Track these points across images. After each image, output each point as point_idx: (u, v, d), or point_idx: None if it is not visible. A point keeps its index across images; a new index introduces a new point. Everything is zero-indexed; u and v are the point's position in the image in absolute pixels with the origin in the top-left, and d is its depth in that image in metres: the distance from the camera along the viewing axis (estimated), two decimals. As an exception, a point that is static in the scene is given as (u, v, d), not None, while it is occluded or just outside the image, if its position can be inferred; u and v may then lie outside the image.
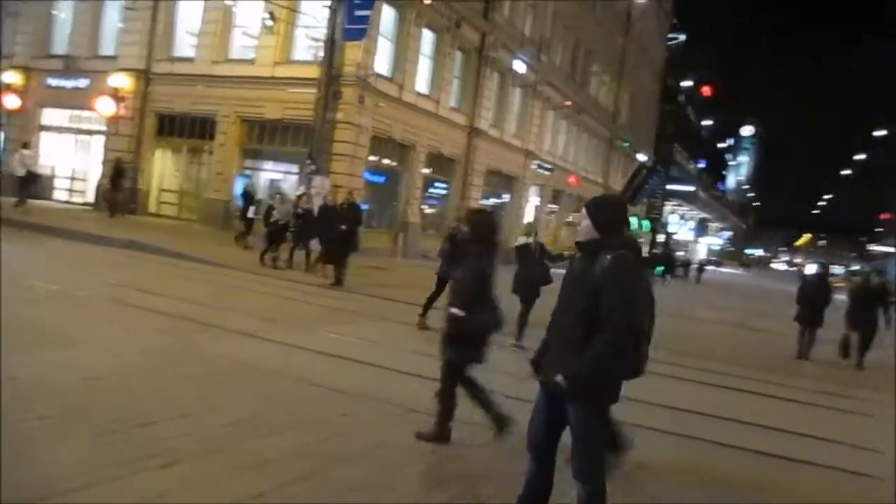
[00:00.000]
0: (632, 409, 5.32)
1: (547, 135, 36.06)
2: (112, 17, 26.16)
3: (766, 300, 30.91)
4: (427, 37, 25.03)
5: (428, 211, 27.19)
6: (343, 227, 14.01)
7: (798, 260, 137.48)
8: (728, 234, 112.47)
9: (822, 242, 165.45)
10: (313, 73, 20.53)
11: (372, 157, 22.88)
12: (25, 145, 23.09)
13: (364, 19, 19.29)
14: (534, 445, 3.76)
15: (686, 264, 46.64)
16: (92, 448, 4.35)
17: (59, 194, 27.00)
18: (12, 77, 27.05)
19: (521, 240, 10.36)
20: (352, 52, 20.58)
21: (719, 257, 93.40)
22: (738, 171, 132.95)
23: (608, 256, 3.44)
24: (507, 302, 6.78)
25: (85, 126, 26.79)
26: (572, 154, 40.28)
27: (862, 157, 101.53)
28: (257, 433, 4.97)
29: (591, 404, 3.52)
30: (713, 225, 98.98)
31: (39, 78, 27.07)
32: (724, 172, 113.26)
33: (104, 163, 24.89)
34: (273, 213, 15.92)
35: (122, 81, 24.05)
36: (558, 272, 5.28)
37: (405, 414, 5.81)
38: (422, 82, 25.04)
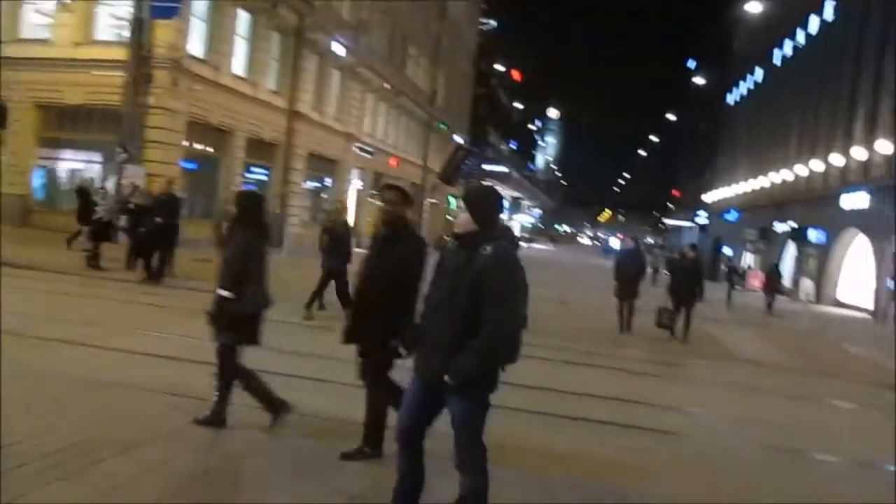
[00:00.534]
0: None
1: (367, 118, 36.04)
2: None
3: (580, 274, 32.85)
4: (243, 17, 24.11)
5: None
6: (158, 219, 13.19)
7: (601, 234, 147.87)
8: (538, 211, 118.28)
9: (621, 218, 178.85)
10: (119, 54, 19.00)
11: (188, 144, 21.75)
12: None
13: (175, -4, 18.22)
14: (404, 434, 3.77)
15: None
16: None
17: None
18: None
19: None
20: (162, 32, 19.32)
21: (531, 234, 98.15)
22: (547, 151, 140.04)
23: (488, 248, 3.46)
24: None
25: None
26: (392, 136, 40.59)
27: (655, 138, 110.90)
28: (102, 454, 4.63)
29: (477, 395, 3.57)
30: (525, 203, 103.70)
31: None
32: (534, 153, 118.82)
33: None
34: (97, 209, 14.63)
35: None
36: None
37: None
38: (239, 65, 24.11)
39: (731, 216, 52.47)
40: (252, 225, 5.39)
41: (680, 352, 12.63)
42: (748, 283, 34.25)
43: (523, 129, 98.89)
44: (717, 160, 64.71)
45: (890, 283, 25.96)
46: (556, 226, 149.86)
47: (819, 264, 34.59)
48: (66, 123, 21.33)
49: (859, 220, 30.04)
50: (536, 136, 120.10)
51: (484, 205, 3.63)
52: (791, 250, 39.32)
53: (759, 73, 51.70)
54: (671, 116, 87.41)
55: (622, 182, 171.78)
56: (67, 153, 21.77)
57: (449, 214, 51.81)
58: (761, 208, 45.39)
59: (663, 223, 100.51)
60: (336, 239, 11.18)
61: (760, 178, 46.25)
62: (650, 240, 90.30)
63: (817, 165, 35.44)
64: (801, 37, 42.04)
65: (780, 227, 39.82)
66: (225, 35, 22.85)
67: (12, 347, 6.70)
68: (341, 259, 11.08)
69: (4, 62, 20.46)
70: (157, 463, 4.61)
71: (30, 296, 10.09)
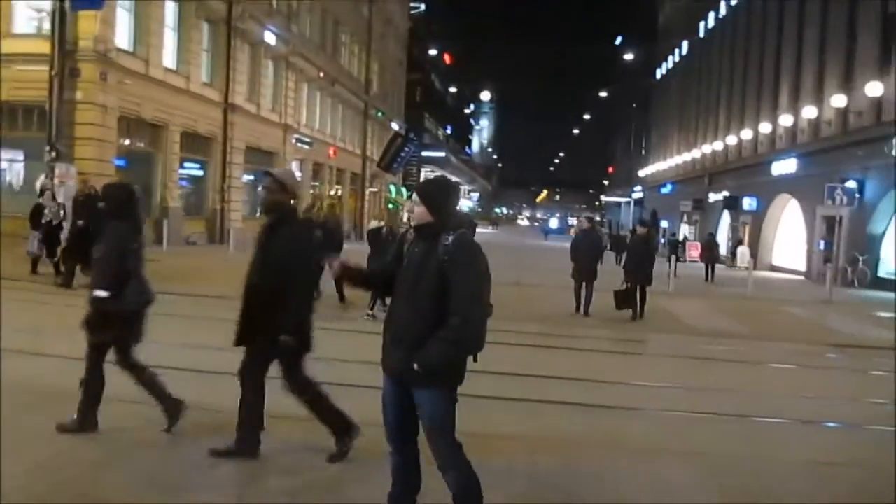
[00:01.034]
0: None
1: (304, 108, 35.54)
2: None
3: (526, 256, 32.91)
4: (169, 7, 23.39)
5: (185, 193, 25.70)
6: (80, 221, 12.39)
7: (539, 215, 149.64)
8: (477, 195, 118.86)
9: (557, 197, 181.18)
10: (41, 48, 18.27)
11: (122, 141, 21.06)
12: None
13: (98, -13, 17.54)
14: (391, 434, 3.70)
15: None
16: None
17: None
18: None
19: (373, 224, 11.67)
20: (87, 24, 18.67)
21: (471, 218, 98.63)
22: (482, 135, 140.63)
23: (449, 237, 3.44)
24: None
25: None
26: (330, 126, 40.12)
27: (588, 116, 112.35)
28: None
29: (445, 387, 3.51)
30: (464, 188, 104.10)
31: None
32: (469, 137, 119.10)
33: None
34: (45, 212, 13.85)
35: None
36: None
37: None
38: (169, 57, 23.41)
39: (667, 189, 53.63)
40: (125, 219, 5.09)
41: (637, 328, 12.79)
42: (688, 254, 35.05)
43: (458, 114, 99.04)
44: (650, 135, 66.04)
45: (820, 244, 26.95)
46: (496, 209, 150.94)
47: (753, 231, 35.65)
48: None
49: (790, 185, 31.02)
50: (471, 120, 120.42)
51: (438, 196, 3.62)
52: (726, 219, 40.43)
53: (685, 47, 52.83)
54: (603, 94, 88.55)
55: (557, 162, 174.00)
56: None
57: (389, 202, 51.63)
58: (696, 179, 46.50)
59: (600, 200, 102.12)
60: (328, 232, 11.43)
61: (693, 150, 47.38)
62: (594, 216, 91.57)
63: (747, 134, 36.48)
64: (723, 8, 43.08)
65: (714, 197, 40.88)
66: (153, 26, 22.12)
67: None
68: (333, 252, 11.17)
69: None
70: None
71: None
